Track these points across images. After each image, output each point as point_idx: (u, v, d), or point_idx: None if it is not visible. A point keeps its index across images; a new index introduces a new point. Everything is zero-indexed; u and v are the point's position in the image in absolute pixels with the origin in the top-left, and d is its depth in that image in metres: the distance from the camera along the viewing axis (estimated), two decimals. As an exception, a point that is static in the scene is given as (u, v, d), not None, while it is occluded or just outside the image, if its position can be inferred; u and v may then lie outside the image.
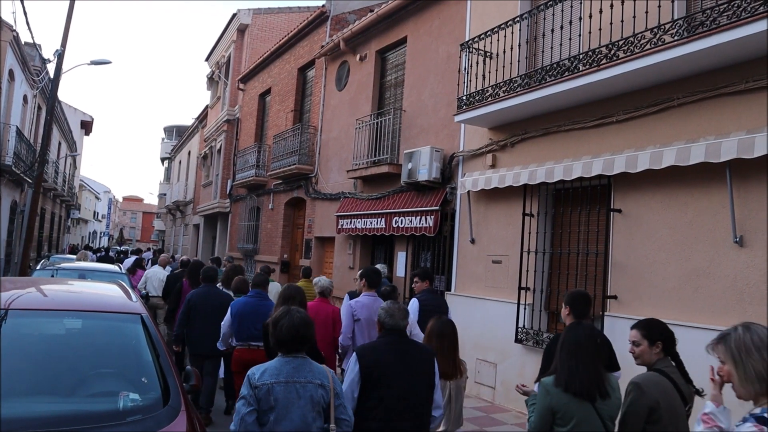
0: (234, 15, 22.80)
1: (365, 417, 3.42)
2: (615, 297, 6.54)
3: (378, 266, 10.00)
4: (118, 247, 41.76)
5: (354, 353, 3.64)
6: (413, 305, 6.07)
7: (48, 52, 21.74)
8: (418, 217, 10.03)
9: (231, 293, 7.18)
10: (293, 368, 3.16)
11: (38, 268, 10.96)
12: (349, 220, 12.17)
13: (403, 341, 3.72)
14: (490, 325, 8.22)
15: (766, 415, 2.02)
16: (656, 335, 3.30)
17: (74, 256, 19.56)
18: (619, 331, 6.34)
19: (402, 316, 3.73)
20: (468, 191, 8.76)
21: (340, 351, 5.85)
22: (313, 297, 6.71)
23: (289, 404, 3.08)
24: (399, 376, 3.51)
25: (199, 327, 6.72)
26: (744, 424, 2.03)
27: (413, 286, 6.78)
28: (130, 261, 14.63)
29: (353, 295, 6.74)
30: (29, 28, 14.88)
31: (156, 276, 10.77)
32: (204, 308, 6.77)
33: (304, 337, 3.22)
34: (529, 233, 7.76)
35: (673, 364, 3.31)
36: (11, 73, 18.79)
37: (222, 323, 6.08)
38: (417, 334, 5.43)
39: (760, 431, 1.97)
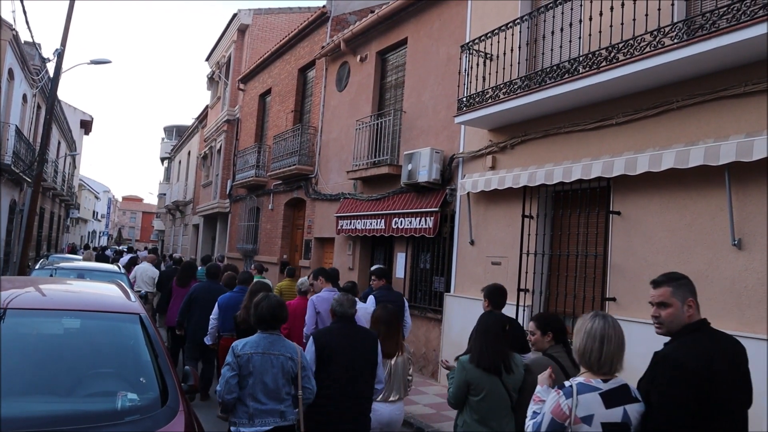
0: (234, 15, 22.81)
1: (320, 387, 4.18)
2: (614, 299, 6.55)
3: (375, 267, 10.04)
4: (117, 247, 41.79)
5: (311, 336, 4.45)
6: (370, 300, 6.86)
7: (48, 51, 21.77)
8: (418, 219, 10.03)
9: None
10: (269, 342, 3.98)
11: (37, 267, 10.95)
12: (349, 221, 12.18)
13: (351, 326, 4.49)
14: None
15: (569, 383, 2.70)
16: (547, 327, 3.92)
17: (73, 256, 19.65)
18: (617, 333, 6.36)
19: (350, 306, 4.51)
20: (468, 193, 8.76)
21: (305, 340, 6.12)
22: (294, 296, 7.65)
23: (264, 371, 3.87)
24: (346, 355, 4.27)
25: (198, 317, 7.56)
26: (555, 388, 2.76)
27: (371, 283, 7.52)
28: (125, 259, 15.55)
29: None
30: (29, 27, 14.91)
31: (145, 273, 11.47)
32: (203, 301, 7.56)
33: (279, 316, 4.08)
34: (529, 235, 7.77)
35: (564, 350, 3.84)
36: (11, 72, 18.78)
37: (211, 316, 6.91)
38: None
39: (557, 393, 2.69)
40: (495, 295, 5.20)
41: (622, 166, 6.22)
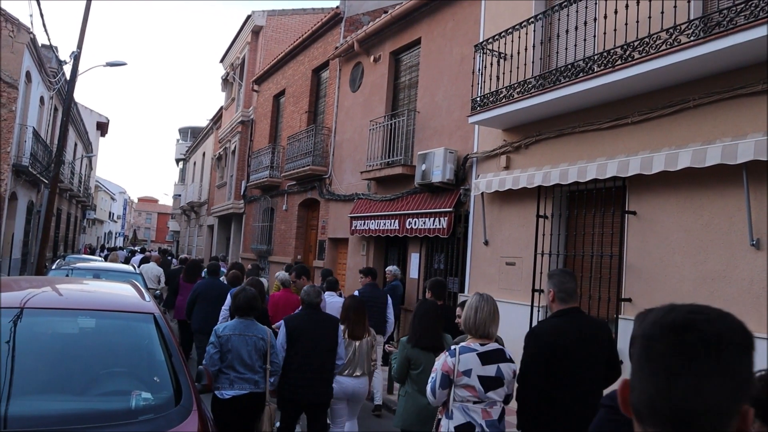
0: (248, 17, 22.91)
1: (289, 361, 5.14)
2: (629, 300, 6.48)
3: (390, 268, 10.06)
4: (132, 247, 42.21)
5: (283, 320, 5.43)
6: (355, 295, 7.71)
7: (64, 54, 21.98)
8: (432, 219, 10.01)
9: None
10: (245, 326, 4.93)
11: (54, 267, 11.07)
12: (363, 222, 12.18)
13: (316, 312, 5.44)
14: (504, 327, 8.12)
15: (453, 347, 3.63)
16: None
17: (90, 257, 19.95)
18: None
19: (315, 296, 5.48)
20: (482, 193, 8.72)
21: None
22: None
23: (241, 348, 4.81)
24: (310, 335, 5.20)
25: (202, 310, 8.14)
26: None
27: (360, 280, 8.61)
28: (137, 258, 17.14)
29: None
30: (46, 31, 15.12)
31: (150, 271, 12.64)
32: (207, 295, 8.22)
33: (254, 306, 5.05)
34: (543, 235, 7.72)
35: None
36: (28, 74, 19.01)
37: (222, 307, 7.37)
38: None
39: (445, 354, 3.61)
40: (436, 287, 6.67)
41: (638, 166, 6.15)
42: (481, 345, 3.60)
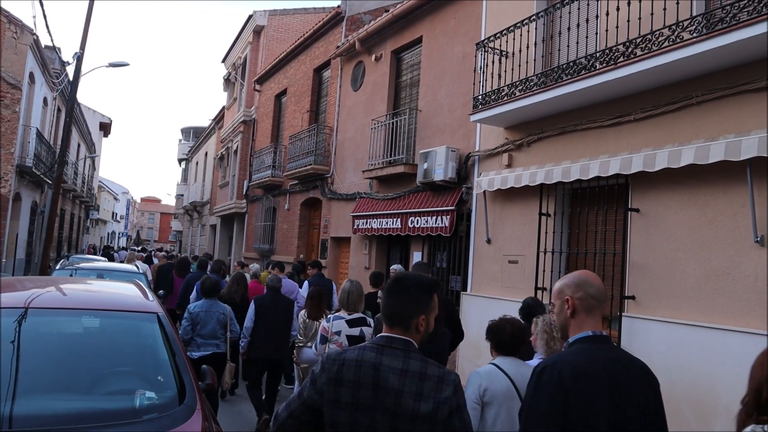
0: (250, 16, 22.92)
1: (255, 330, 6.84)
2: (633, 297, 6.47)
3: (395, 266, 10.04)
4: (135, 247, 42.32)
5: (252, 299, 7.19)
6: (305, 285, 9.29)
7: (67, 55, 21.99)
8: (434, 217, 10.00)
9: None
10: (210, 304, 6.65)
11: (58, 267, 11.10)
12: (365, 220, 12.17)
13: (276, 294, 7.20)
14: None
15: (330, 316, 5.32)
16: None
17: (93, 257, 20.02)
18: (636, 332, 6.28)
19: (276, 282, 7.27)
20: (484, 191, 8.72)
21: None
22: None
23: (207, 321, 6.49)
24: (270, 311, 6.95)
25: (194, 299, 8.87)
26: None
27: (308, 272, 10.08)
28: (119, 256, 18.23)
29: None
30: (49, 32, 15.12)
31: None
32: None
33: (217, 289, 6.85)
34: (546, 233, 7.71)
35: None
36: (31, 75, 19.05)
37: (191, 295, 8.60)
38: (302, 297, 8.50)
39: (324, 319, 5.63)
40: (374, 278, 8.47)
41: (641, 163, 6.14)
42: (349, 315, 5.32)
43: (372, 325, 5.26)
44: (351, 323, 5.20)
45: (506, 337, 3.36)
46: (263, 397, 7.03)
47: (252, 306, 6.94)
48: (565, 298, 2.30)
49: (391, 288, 2.31)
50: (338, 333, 5.15)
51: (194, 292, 8.65)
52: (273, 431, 2.35)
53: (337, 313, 5.38)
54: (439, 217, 9.86)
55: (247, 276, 9.44)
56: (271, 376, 7.07)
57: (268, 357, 6.88)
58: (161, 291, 10.88)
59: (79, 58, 14.49)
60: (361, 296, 5.45)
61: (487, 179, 8.57)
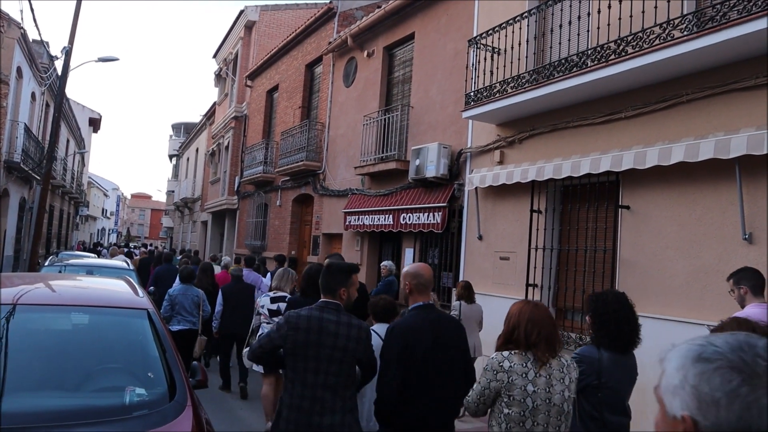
0: (241, 12, 22.79)
1: (223, 311, 8.34)
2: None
3: (385, 263, 10.05)
4: (122, 245, 42.15)
5: (220, 288, 8.80)
6: (267, 276, 10.65)
7: (56, 50, 21.79)
8: (426, 214, 10.01)
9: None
10: (186, 288, 8.10)
11: (47, 264, 11.02)
12: (357, 217, 12.17)
13: (240, 282, 8.79)
14: (498, 321, 8.17)
15: (264, 295, 6.89)
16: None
17: (83, 253, 19.90)
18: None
19: (239, 271, 9.03)
20: (476, 188, 8.73)
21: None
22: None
23: (183, 302, 7.94)
24: (235, 296, 8.44)
25: (163, 289, 9.55)
26: None
27: (267, 266, 11.83)
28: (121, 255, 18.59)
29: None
30: (37, 26, 15.00)
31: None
32: (164, 277, 10.66)
33: (192, 276, 8.35)
34: (537, 230, 7.73)
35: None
36: (19, 70, 18.88)
37: (174, 283, 9.40)
38: (266, 286, 9.81)
39: (261, 298, 6.83)
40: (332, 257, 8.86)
41: (631, 160, 6.17)
42: (274, 294, 6.52)
43: (288, 301, 6.25)
44: (273, 300, 6.43)
45: (380, 310, 4.71)
46: (236, 367, 8.45)
47: (220, 293, 8.56)
48: (406, 282, 3.65)
49: (324, 271, 3.62)
50: (263, 307, 6.44)
51: (176, 280, 9.67)
52: (248, 357, 3.86)
53: (269, 292, 6.82)
54: (431, 214, 9.87)
55: (217, 268, 11.34)
56: (239, 348, 8.02)
57: (234, 331, 8.31)
58: (152, 288, 10.87)
59: (67, 52, 14.35)
60: (289, 282, 6.72)
61: (478, 176, 8.59)
